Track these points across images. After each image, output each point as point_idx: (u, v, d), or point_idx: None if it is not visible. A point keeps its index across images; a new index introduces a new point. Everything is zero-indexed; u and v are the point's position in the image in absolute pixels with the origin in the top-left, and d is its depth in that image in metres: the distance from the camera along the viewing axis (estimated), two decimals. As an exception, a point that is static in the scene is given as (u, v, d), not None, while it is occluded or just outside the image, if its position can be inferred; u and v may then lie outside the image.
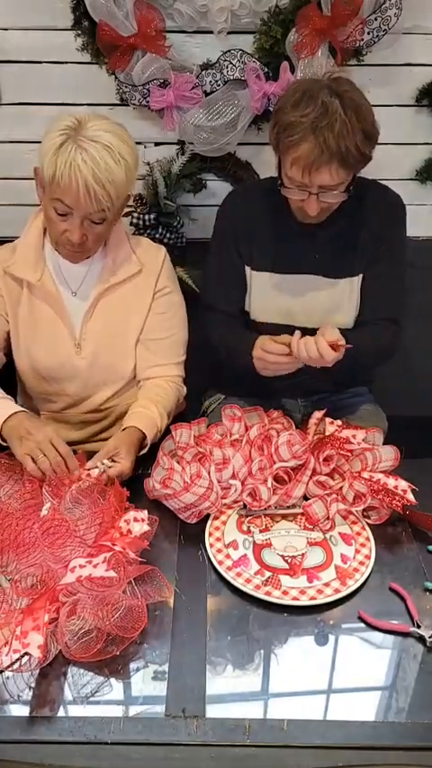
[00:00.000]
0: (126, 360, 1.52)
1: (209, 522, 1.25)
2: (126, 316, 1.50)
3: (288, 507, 1.28)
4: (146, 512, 1.17)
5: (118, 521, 1.16)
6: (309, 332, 1.36)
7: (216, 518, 1.26)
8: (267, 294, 1.55)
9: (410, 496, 1.25)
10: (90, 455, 1.34)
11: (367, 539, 1.22)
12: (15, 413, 1.33)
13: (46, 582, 1.04)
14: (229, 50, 1.66)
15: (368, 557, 1.18)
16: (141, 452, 1.38)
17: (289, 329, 1.39)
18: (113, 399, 1.56)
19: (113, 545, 1.09)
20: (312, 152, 1.27)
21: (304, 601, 1.09)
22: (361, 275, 1.53)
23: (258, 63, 1.64)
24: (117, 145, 1.28)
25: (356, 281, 1.53)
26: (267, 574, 1.14)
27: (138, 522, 1.15)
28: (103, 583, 1.02)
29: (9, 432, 1.31)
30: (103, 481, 1.24)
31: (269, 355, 1.36)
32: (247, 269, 1.55)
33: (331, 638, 1.05)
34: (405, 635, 1.05)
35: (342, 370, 1.39)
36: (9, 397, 1.44)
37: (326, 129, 1.26)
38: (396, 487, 1.26)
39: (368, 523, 1.25)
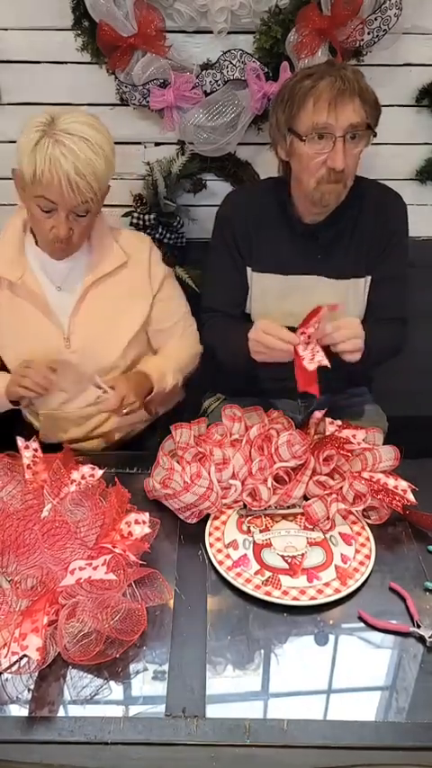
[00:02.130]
0: (117, 350, 1.53)
1: (209, 522, 1.25)
2: (117, 307, 1.51)
3: (288, 507, 1.28)
4: (147, 514, 1.17)
5: (119, 522, 1.16)
6: None
7: (216, 518, 1.26)
8: (269, 296, 1.54)
9: (410, 496, 1.25)
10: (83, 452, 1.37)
11: (367, 539, 1.22)
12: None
13: (46, 583, 1.04)
14: (229, 50, 1.65)
15: (368, 557, 1.18)
16: (149, 396, 1.45)
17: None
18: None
19: (114, 547, 1.09)
20: (334, 85, 1.28)
21: (304, 601, 1.09)
22: (369, 277, 1.53)
23: (258, 63, 1.64)
24: (94, 135, 1.28)
25: (362, 282, 1.53)
26: (267, 574, 1.14)
27: (139, 525, 1.15)
28: (102, 585, 1.02)
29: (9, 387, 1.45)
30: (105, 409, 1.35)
31: (267, 337, 1.32)
32: (248, 270, 1.55)
33: (331, 638, 1.05)
34: (405, 635, 1.05)
35: (355, 367, 1.40)
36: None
37: (339, 68, 1.31)
38: (396, 487, 1.26)
39: (368, 523, 1.25)
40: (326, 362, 1.27)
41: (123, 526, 1.15)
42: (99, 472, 1.27)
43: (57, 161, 1.24)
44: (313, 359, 1.28)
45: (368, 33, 1.61)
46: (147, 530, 1.14)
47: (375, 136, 1.36)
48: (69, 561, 1.06)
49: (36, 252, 1.45)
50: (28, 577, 1.05)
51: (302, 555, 1.18)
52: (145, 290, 1.53)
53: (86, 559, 1.07)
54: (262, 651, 1.03)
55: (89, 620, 0.99)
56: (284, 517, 1.27)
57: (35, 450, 1.33)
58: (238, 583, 1.12)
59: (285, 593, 1.10)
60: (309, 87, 1.29)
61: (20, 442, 1.33)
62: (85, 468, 1.28)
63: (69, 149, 1.24)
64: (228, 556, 1.18)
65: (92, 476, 1.26)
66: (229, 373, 1.59)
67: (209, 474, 1.25)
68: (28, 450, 1.32)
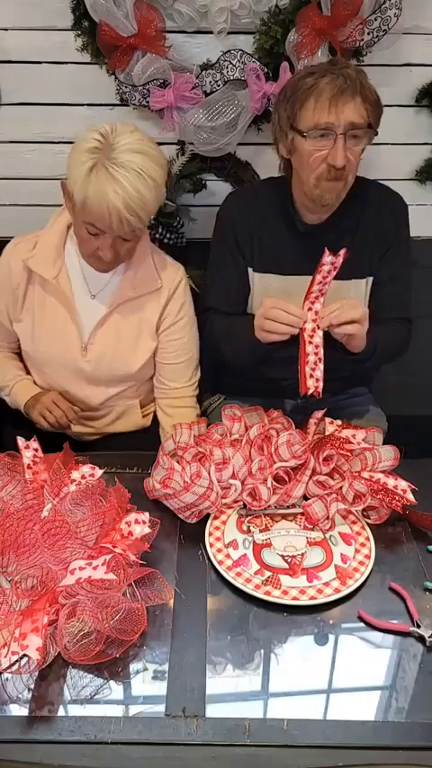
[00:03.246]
0: (130, 368, 1.54)
1: (209, 522, 1.25)
2: (138, 328, 1.52)
3: (288, 507, 1.28)
4: (147, 514, 1.17)
5: (119, 522, 1.16)
6: None
7: (216, 518, 1.26)
8: (270, 296, 1.54)
9: (410, 496, 1.25)
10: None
11: (367, 538, 1.22)
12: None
13: (46, 583, 1.04)
14: (229, 50, 1.65)
15: (368, 556, 1.18)
16: None
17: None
18: (115, 399, 1.59)
19: (114, 547, 1.09)
20: (335, 83, 1.29)
21: (304, 600, 1.09)
22: (371, 278, 1.53)
23: (258, 63, 1.64)
24: (147, 167, 1.26)
25: (364, 283, 1.53)
26: (267, 573, 1.14)
27: (139, 525, 1.15)
28: (102, 585, 1.02)
29: (27, 408, 1.55)
30: None
31: (275, 310, 1.32)
32: (250, 270, 1.55)
33: (331, 637, 1.06)
34: (405, 635, 1.05)
35: (360, 364, 1.42)
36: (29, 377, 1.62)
37: (342, 67, 1.32)
38: (396, 487, 1.26)
39: (368, 523, 1.25)
40: (320, 390, 1.33)
41: (123, 526, 1.15)
42: (99, 472, 1.27)
43: (107, 196, 1.23)
44: (314, 373, 1.32)
45: (368, 33, 1.61)
46: (147, 530, 1.14)
47: (377, 135, 1.36)
48: (69, 561, 1.06)
49: (76, 256, 1.46)
50: (28, 577, 1.05)
51: (302, 555, 1.18)
52: (155, 321, 1.52)
53: (86, 559, 1.07)
54: (262, 651, 1.03)
55: (89, 620, 0.99)
56: (284, 517, 1.27)
57: (35, 450, 1.33)
58: (238, 583, 1.12)
59: (285, 592, 1.10)
60: (310, 85, 1.30)
61: (20, 441, 1.33)
62: (85, 468, 1.28)
63: (122, 186, 1.23)
64: (228, 555, 1.18)
65: (92, 476, 1.27)
66: (233, 370, 1.59)
67: (209, 474, 1.25)
68: (28, 450, 1.32)
